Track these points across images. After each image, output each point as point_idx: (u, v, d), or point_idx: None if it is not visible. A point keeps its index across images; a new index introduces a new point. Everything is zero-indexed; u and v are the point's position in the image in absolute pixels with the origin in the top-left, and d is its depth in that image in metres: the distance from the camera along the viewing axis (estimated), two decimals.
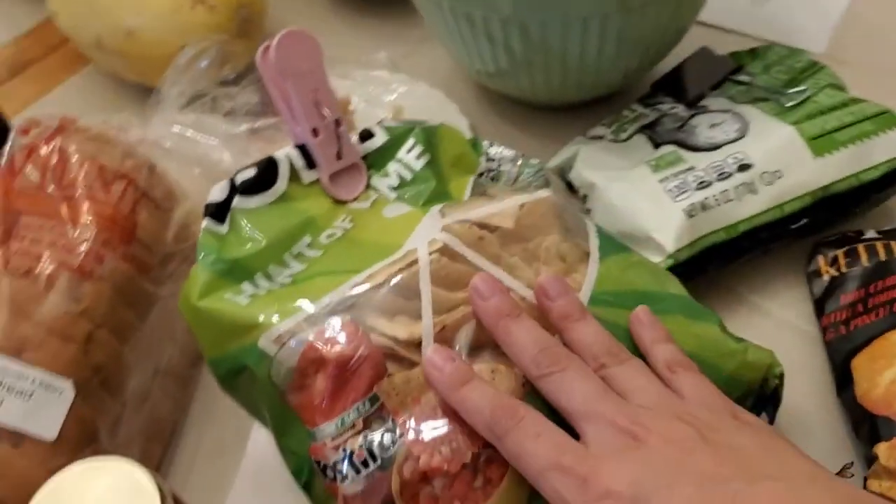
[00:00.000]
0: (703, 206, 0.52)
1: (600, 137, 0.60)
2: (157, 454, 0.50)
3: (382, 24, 0.77)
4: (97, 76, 0.76)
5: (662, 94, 0.62)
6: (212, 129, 0.57)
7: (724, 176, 0.53)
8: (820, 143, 0.54)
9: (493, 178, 0.48)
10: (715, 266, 0.53)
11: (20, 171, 0.47)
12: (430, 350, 0.38)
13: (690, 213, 0.52)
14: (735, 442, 0.35)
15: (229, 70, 0.62)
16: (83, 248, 0.45)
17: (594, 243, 0.44)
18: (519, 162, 0.49)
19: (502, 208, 0.44)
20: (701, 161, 0.54)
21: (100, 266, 0.45)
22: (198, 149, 0.56)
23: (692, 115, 0.59)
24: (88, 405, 0.43)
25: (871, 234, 0.52)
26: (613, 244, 0.45)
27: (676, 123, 0.58)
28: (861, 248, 0.51)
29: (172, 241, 0.50)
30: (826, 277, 0.51)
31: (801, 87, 0.58)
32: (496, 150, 0.49)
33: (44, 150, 0.48)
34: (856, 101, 0.56)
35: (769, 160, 0.53)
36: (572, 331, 0.40)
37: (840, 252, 0.52)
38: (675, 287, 0.45)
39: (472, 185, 0.47)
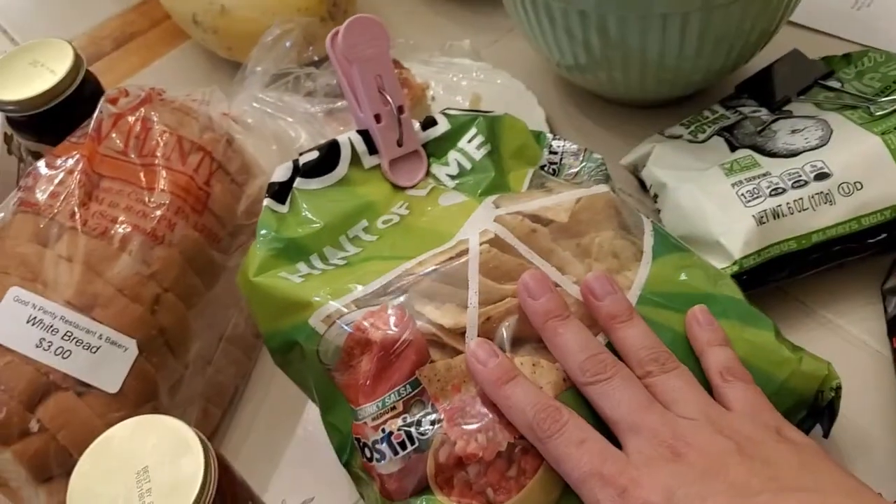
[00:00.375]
0: (775, 214, 0.50)
1: (677, 137, 0.59)
2: (216, 417, 0.52)
3: (471, 12, 0.77)
4: (195, 51, 0.79)
5: (746, 96, 0.61)
6: (291, 107, 0.59)
7: (799, 184, 0.51)
8: None
9: (553, 172, 0.48)
10: (783, 277, 0.51)
11: (106, 137, 0.50)
12: (473, 344, 0.38)
13: (761, 220, 0.50)
14: (773, 456, 0.35)
15: (314, 52, 0.64)
16: (157, 214, 0.47)
17: (648, 242, 0.43)
18: (581, 156, 0.48)
19: (557, 202, 0.43)
20: (777, 167, 0.52)
21: (171, 233, 0.47)
22: (276, 126, 0.58)
23: (774, 120, 0.57)
24: (151, 364, 0.46)
25: None
26: (669, 244, 0.45)
27: (756, 127, 0.57)
28: None
29: (243, 215, 0.52)
30: None
31: (894, 96, 0.55)
32: (559, 144, 0.49)
33: (129, 119, 0.51)
34: None
35: (849, 170, 0.51)
36: (619, 331, 0.39)
37: None
38: (730, 290, 0.44)
39: (531, 177, 0.47)
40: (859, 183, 0.51)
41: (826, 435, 0.44)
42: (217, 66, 0.76)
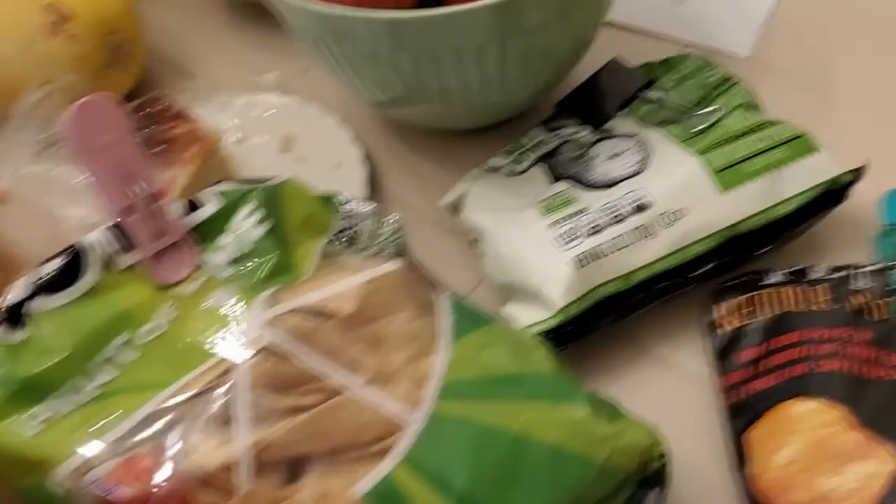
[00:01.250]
0: (595, 255, 0.47)
1: (497, 169, 0.55)
2: None
3: (279, 39, 0.71)
4: None
5: (567, 114, 0.57)
6: (64, 179, 0.52)
7: (618, 218, 0.48)
8: (727, 176, 0.48)
9: (348, 241, 0.43)
10: (611, 320, 0.48)
11: None
12: None
13: (581, 263, 0.47)
14: None
15: None
16: None
17: (447, 322, 0.39)
18: (377, 219, 0.43)
19: (345, 288, 0.38)
20: (595, 201, 0.49)
21: None
22: (47, 203, 0.51)
23: (597, 141, 0.53)
24: None
25: (776, 276, 0.47)
26: (471, 319, 0.40)
27: (577, 152, 0.53)
28: (764, 295, 0.46)
29: None
30: (727, 329, 0.46)
31: (713, 107, 0.53)
32: (351, 207, 0.43)
33: None
34: (770, 123, 0.51)
35: (670, 198, 0.48)
36: None
37: (742, 300, 0.47)
38: (540, 363, 0.40)
39: (320, 253, 0.41)
40: (681, 211, 0.48)
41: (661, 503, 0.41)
42: None
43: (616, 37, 0.65)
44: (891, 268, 0.46)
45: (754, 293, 0.46)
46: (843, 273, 0.47)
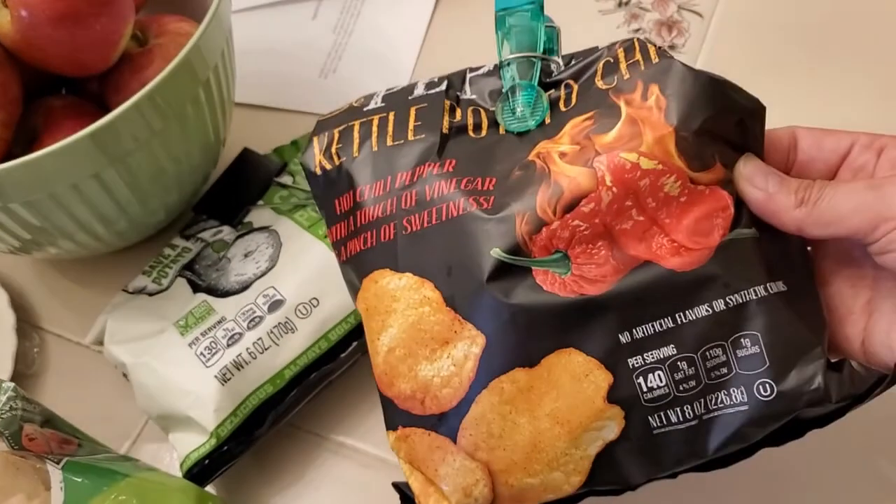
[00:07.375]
0: (238, 365, 0.46)
1: (141, 290, 0.53)
2: None
3: None
4: None
5: (205, 217, 0.56)
6: None
7: (255, 322, 0.47)
8: None
9: None
10: (272, 423, 0.47)
11: None
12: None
13: (225, 378, 0.46)
14: None
15: None
16: None
17: (57, 498, 0.37)
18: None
19: None
20: (231, 308, 0.48)
21: None
22: None
23: (238, 238, 0.53)
24: None
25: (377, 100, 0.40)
26: (84, 489, 0.38)
27: (214, 257, 0.52)
28: (357, 126, 0.39)
29: None
30: (321, 170, 0.39)
31: None
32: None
33: None
34: None
35: (302, 290, 0.48)
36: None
37: (335, 133, 0.39)
38: None
39: None
40: (315, 300, 0.48)
41: None
42: None
43: (270, 120, 0.64)
44: (506, 64, 0.38)
45: (350, 123, 0.39)
46: (446, 83, 0.39)
